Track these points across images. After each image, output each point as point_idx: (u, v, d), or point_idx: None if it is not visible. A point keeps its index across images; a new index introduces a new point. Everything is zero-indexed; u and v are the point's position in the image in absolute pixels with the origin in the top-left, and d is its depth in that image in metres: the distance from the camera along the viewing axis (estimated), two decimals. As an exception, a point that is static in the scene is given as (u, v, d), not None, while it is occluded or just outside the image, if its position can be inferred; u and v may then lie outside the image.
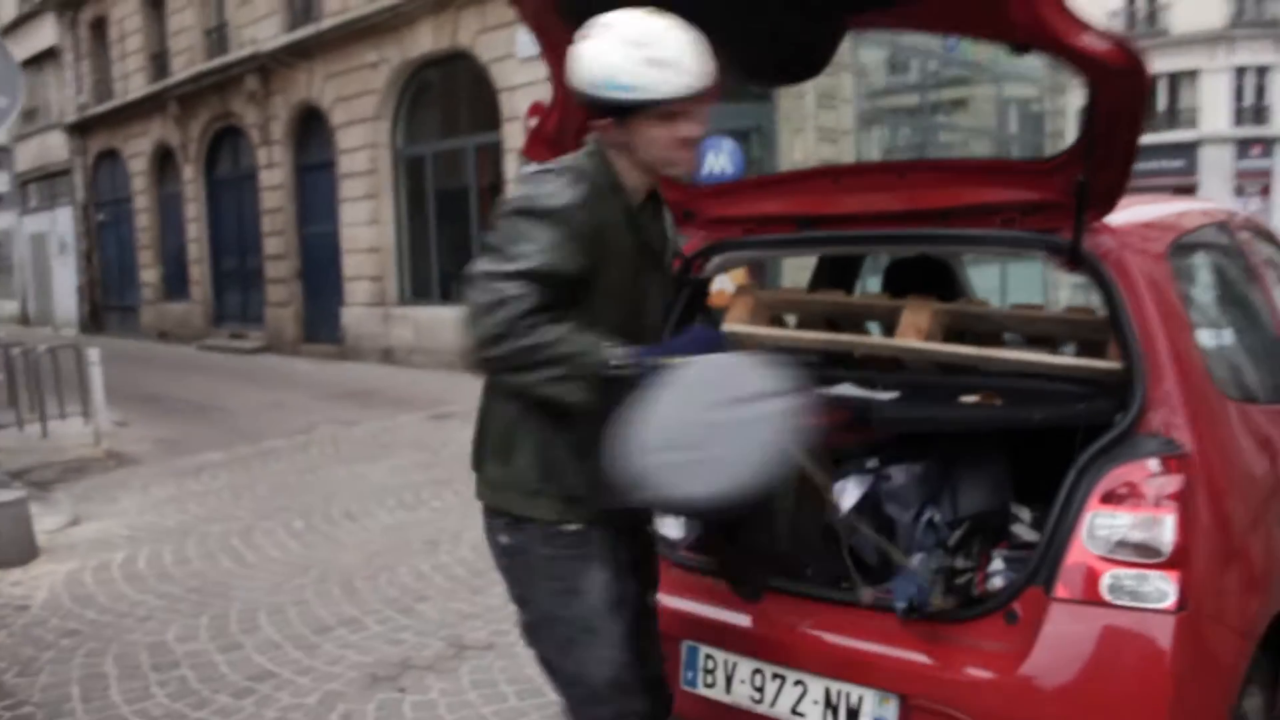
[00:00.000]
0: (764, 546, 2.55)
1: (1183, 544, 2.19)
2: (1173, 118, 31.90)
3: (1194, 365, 2.48)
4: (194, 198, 19.74)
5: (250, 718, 3.73)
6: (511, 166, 12.66)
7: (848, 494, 2.82)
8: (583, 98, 2.19)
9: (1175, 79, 31.64)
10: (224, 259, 19.48)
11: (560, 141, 2.65)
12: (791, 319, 3.48)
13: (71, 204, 24.38)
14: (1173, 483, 2.24)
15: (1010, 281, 12.88)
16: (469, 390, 2.25)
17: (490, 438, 2.30)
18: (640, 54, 2.09)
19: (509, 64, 12.66)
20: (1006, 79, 16.21)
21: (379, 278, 15.27)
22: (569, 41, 2.21)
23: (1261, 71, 31.61)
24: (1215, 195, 25.80)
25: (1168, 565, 2.18)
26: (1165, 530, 2.20)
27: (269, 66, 16.62)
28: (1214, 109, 31.63)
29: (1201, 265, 3.12)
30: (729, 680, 2.63)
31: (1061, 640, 2.24)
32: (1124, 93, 2.24)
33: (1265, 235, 3.67)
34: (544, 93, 2.27)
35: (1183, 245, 2.85)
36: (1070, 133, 15.47)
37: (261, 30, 16.96)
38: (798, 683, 2.52)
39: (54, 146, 24.72)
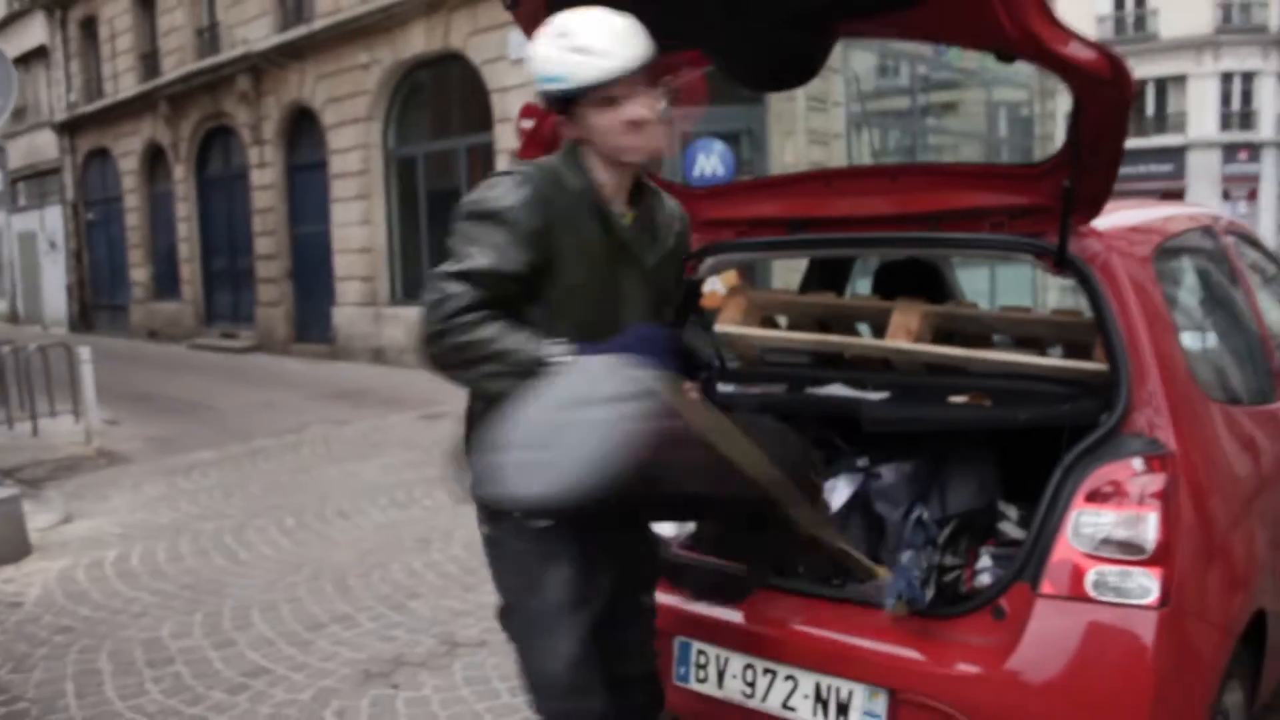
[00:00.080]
0: (767, 547, 2.58)
1: (1165, 541, 2.24)
2: (1161, 122, 32.08)
3: (1178, 367, 2.53)
4: (185, 197, 19.71)
5: (245, 714, 3.75)
6: (503, 168, 12.64)
7: (838, 492, 2.87)
8: (540, 98, 2.25)
9: (1163, 84, 31.80)
10: (215, 258, 19.45)
11: (555, 143, 2.67)
12: (783, 320, 3.52)
13: (61, 203, 24.31)
14: (1156, 481, 2.28)
15: (1000, 284, 12.95)
16: (459, 390, 2.27)
17: (471, 433, 2.34)
18: (564, 43, 2.13)
19: (501, 65, 12.69)
20: (996, 83, 16.28)
21: (370, 278, 15.27)
22: None
23: (1248, 77, 31.81)
24: (1202, 199, 25.90)
25: (1151, 562, 2.23)
26: (1148, 528, 2.25)
27: (260, 67, 16.61)
28: (1201, 114, 31.80)
29: (1186, 269, 3.16)
30: (721, 675, 2.67)
31: (1047, 635, 2.28)
32: (1109, 101, 2.28)
33: (1249, 239, 3.72)
34: (535, 94, 2.31)
35: (1168, 249, 2.90)
36: (1059, 137, 15.51)
37: (253, 31, 16.94)
38: (789, 678, 2.56)
39: (43, 145, 24.64)
